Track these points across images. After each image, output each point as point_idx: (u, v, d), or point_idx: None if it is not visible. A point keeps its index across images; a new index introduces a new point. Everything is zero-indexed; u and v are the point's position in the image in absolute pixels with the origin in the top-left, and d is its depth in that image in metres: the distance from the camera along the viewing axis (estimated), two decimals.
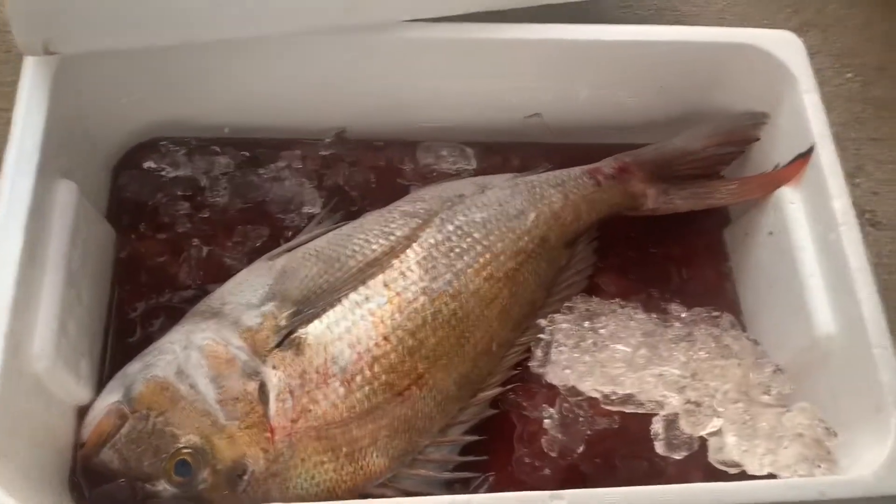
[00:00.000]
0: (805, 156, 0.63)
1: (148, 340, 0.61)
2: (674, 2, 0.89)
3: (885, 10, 0.92)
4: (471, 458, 0.60)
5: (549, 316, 0.63)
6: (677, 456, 0.56)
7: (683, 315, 0.63)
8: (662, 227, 0.70)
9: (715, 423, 0.55)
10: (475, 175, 0.71)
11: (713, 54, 0.66)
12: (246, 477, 0.54)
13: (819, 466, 0.53)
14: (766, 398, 0.56)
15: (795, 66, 0.64)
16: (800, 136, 0.63)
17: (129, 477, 0.54)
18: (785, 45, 0.65)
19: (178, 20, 0.56)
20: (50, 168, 0.55)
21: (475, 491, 0.59)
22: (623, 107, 0.71)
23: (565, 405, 0.59)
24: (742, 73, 0.67)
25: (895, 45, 0.91)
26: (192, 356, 0.56)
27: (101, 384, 0.60)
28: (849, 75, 0.89)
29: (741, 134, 0.69)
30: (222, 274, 0.64)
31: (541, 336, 0.62)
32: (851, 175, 0.83)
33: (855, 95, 0.88)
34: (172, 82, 0.65)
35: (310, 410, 0.56)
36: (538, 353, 0.62)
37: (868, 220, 0.82)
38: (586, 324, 0.60)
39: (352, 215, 0.67)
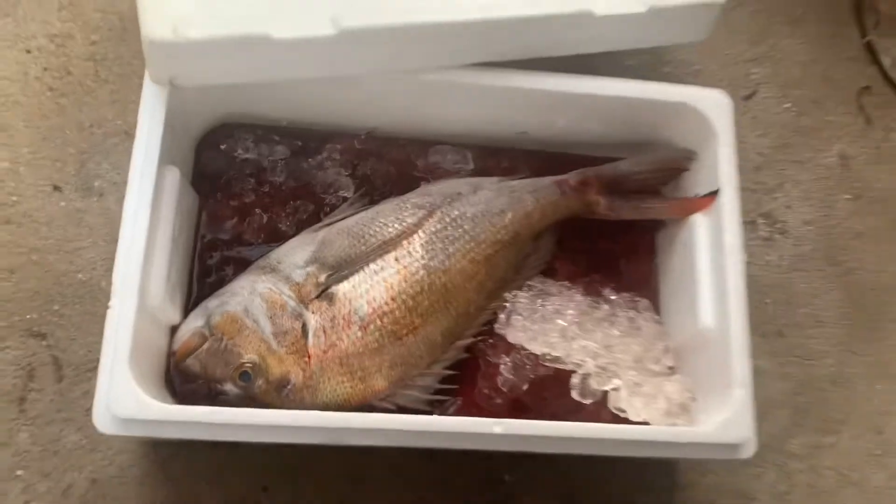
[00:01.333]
0: (713, 194, 0.76)
1: (221, 282, 0.75)
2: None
3: (829, 50, 1.03)
4: (447, 386, 0.75)
5: (514, 291, 0.79)
6: (587, 402, 0.72)
7: (613, 297, 0.80)
8: (610, 227, 0.82)
9: (614, 383, 0.71)
10: (472, 174, 0.83)
11: (660, 104, 0.79)
12: (289, 387, 0.70)
13: (678, 420, 0.71)
14: (655, 367, 0.74)
15: (718, 124, 0.76)
16: (714, 177, 0.78)
17: (206, 379, 0.70)
18: (712, 104, 0.76)
19: (278, 64, 0.68)
20: (163, 160, 0.71)
21: (447, 410, 0.74)
22: (591, 132, 0.82)
23: (517, 356, 0.75)
24: (680, 120, 0.79)
25: (831, 82, 1.01)
26: (254, 300, 0.71)
27: (186, 310, 0.74)
28: (787, 105, 1.00)
29: (676, 164, 0.82)
30: (277, 236, 0.77)
31: (506, 305, 0.77)
32: (772, 190, 0.98)
33: (789, 123, 0.99)
34: (249, 85, 0.76)
35: (336, 345, 0.71)
36: (502, 317, 0.76)
37: (778, 229, 0.96)
38: (538, 301, 0.76)
39: (376, 200, 0.79)
